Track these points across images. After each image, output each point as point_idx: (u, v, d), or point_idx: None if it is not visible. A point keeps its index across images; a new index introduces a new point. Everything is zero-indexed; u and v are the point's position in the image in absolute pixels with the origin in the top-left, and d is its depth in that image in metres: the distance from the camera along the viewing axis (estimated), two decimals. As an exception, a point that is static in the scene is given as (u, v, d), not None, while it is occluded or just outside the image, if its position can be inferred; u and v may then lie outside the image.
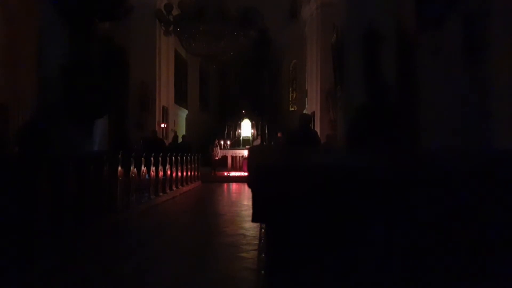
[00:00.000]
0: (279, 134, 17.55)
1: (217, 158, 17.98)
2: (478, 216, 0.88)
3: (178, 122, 19.60)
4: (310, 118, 9.81)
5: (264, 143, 20.22)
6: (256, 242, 5.23)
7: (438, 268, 0.89)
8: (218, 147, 18.27)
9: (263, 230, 4.31)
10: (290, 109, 23.01)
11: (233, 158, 18.81)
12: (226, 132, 21.69)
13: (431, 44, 6.59)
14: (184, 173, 12.56)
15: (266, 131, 21.51)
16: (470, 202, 0.88)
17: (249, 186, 0.96)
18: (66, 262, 4.59)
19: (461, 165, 1.01)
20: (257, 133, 21.64)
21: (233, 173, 17.11)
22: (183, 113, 21.10)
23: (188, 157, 13.05)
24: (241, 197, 11.64)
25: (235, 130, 22.08)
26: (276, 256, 0.93)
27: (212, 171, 17.02)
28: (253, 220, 0.93)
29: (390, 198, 0.88)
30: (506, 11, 4.81)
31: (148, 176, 9.22)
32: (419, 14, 6.95)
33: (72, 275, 4.14)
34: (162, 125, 16.39)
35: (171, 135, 16.41)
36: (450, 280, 0.89)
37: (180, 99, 20.10)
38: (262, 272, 3.31)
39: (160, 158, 10.08)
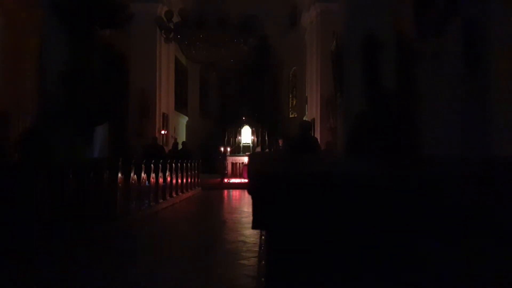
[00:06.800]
0: (280, 142, 17.53)
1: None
2: (477, 220, 0.89)
3: (178, 129, 19.61)
4: (310, 125, 9.81)
5: (266, 150, 20.21)
6: (256, 249, 5.22)
7: (438, 273, 0.89)
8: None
9: (263, 237, 4.29)
10: (290, 116, 23.02)
11: (233, 164, 18.79)
12: (226, 138, 21.70)
13: (430, 50, 6.61)
14: (184, 180, 12.54)
15: (266, 138, 21.51)
16: (470, 207, 0.88)
17: (249, 192, 0.96)
18: (66, 269, 4.57)
19: (460, 171, 1.01)
20: (257, 139, 21.63)
21: (233, 180, 17.08)
22: (183, 120, 21.12)
23: (188, 164, 13.04)
24: (241, 203, 11.62)
25: (235, 136, 22.08)
26: (276, 263, 0.93)
27: (222, 179, 16.84)
28: (253, 227, 0.93)
29: (390, 204, 0.89)
30: (505, 18, 4.83)
31: (148, 183, 9.21)
32: (418, 21, 6.98)
33: (72, 283, 4.13)
34: (162, 132, 16.39)
35: (171, 141, 16.40)
36: (451, 283, 0.89)
37: (180, 105, 20.12)
38: (263, 279, 3.30)
39: (160, 165, 10.07)
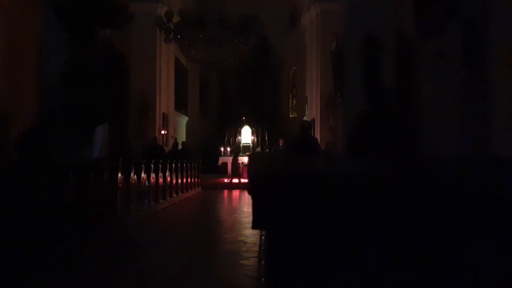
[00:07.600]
0: (280, 142, 17.52)
1: (219, 164, 18.07)
2: (477, 221, 0.89)
3: (178, 129, 19.61)
4: (310, 125, 9.82)
5: (266, 150, 20.22)
6: (256, 249, 5.22)
7: (437, 273, 0.89)
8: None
9: (263, 237, 4.30)
10: (290, 116, 23.03)
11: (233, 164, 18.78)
12: (226, 138, 21.71)
13: (430, 51, 6.61)
14: (184, 180, 12.55)
15: (266, 138, 21.52)
16: (469, 208, 0.88)
17: (249, 192, 0.96)
18: (66, 269, 4.57)
19: (460, 172, 1.01)
20: (257, 139, 21.65)
21: (233, 180, 17.09)
22: (183, 120, 21.13)
23: (188, 164, 13.05)
24: (241, 204, 11.62)
25: (235, 136, 22.09)
26: (276, 263, 0.93)
27: (237, 178, 16.81)
28: (253, 227, 0.93)
29: (390, 205, 0.89)
30: (505, 18, 4.83)
31: (148, 183, 9.21)
32: (418, 21, 6.98)
33: (72, 283, 4.13)
34: (162, 132, 16.39)
35: (171, 142, 16.41)
36: (451, 282, 0.89)
37: (180, 106, 20.12)
38: (262, 279, 3.30)
39: (160, 165, 10.08)
